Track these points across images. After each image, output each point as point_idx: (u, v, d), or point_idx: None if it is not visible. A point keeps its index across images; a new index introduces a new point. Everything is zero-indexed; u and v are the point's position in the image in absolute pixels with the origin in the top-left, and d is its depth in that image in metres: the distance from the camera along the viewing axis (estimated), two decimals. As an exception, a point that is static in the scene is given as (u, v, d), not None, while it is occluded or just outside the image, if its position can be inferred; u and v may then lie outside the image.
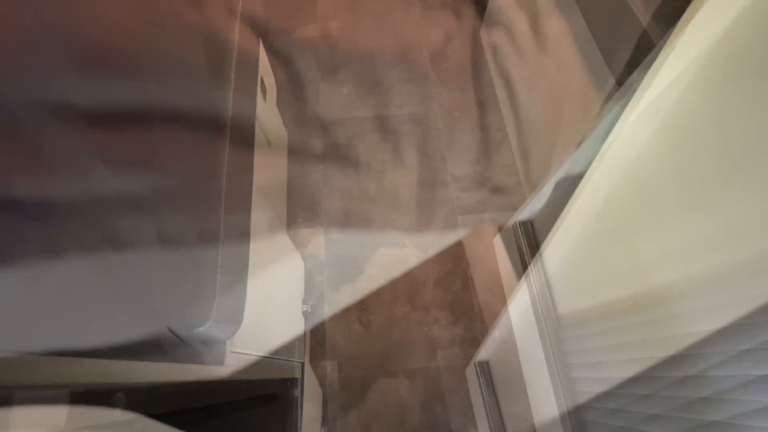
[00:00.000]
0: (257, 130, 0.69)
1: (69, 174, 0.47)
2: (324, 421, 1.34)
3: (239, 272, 0.58)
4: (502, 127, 0.92)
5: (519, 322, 0.94)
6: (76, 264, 0.50)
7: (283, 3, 0.71)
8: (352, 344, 1.45)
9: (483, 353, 1.27)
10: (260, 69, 0.80)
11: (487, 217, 1.35)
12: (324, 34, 0.64)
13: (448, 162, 0.83)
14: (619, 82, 0.67)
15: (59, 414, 0.46)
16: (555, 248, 0.78)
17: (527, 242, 0.84)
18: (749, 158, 0.40)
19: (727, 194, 0.42)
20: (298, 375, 0.88)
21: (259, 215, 0.68)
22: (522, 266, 0.86)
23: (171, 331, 0.57)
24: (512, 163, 0.87)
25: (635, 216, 0.58)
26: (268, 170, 0.78)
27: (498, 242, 1.17)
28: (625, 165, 0.58)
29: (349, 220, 1.34)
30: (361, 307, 1.42)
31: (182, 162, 0.54)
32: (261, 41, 0.77)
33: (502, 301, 1.05)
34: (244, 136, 0.67)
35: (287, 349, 0.84)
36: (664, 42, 0.53)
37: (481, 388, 1.23)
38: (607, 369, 0.67)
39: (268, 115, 0.80)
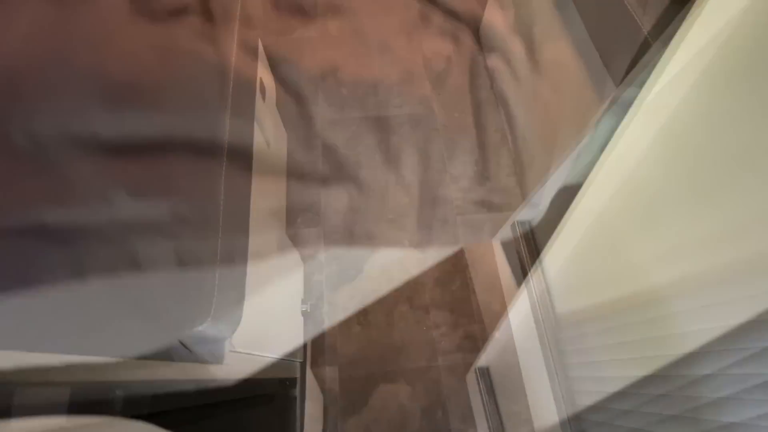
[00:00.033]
0: (256, 132, 0.73)
1: (94, 201, 0.51)
2: (325, 426, 1.37)
3: (238, 272, 0.60)
4: (500, 127, 0.94)
5: (519, 327, 0.95)
6: (97, 282, 0.54)
7: (288, 31, 0.75)
8: (352, 346, 1.46)
9: (483, 359, 1.27)
10: (259, 69, 0.83)
11: (487, 217, 1.38)
12: (330, 62, 0.68)
13: (448, 164, 0.86)
14: (615, 99, 0.70)
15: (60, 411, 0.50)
16: (555, 250, 0.79)
17: (526, 244, 0.86)
18: (750, 160, 0.40)
19: (727, 195, 0.43)
20: (296, 374, 0.89)
21: (257, 215, 0.70)
22: (521, 269, 0.88)
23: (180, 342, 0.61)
24: (511, 172, 0.90)
25: (635, 218, 0.59)
26: (267, 171, 0.81)
27: (497, 245, 1.18)
28: (625, 173, 0.60)
29: (348, 221, 1.43)
30: (361, 308, 1.44)
31: (192, 186, 0.58)
32: (260, 41, 0.80)
33: (502, 302, 1.09)
34: (242, 157, 0.71)
35: (286, 348, 0.85)
36: (661, 52, 0.54)
37: (481, 394, 1.23)
38: (607, 369, 0.68)
39: (267, 116, 0.81)
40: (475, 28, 0.81)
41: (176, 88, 0.55)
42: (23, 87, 0.49)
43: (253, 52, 0.71)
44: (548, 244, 0.82)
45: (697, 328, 0.51)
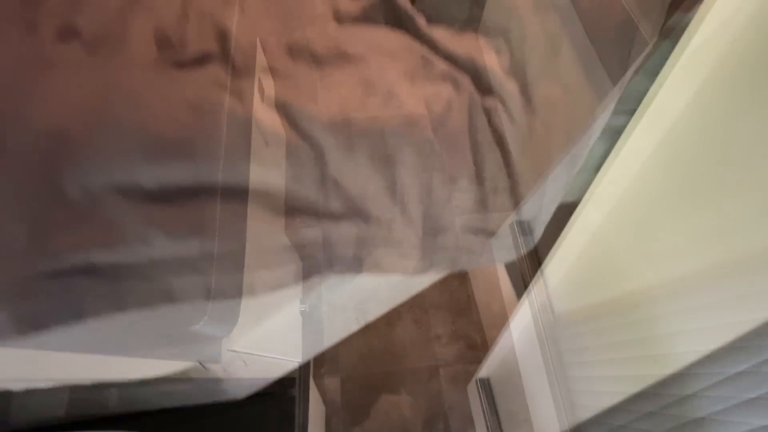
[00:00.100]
0: (255, 134, 0.76)
1: (135, 243, 0.59)
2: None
3: (223, 258, 0.62)
4: (497, 162, 1.00)
5: (520, 338, 0.96)
6: (135, 314, 0.61)
7: (301, 77, 0.82)
8: (353, 356, 1.46)
9: (484, 370, 1.29)
10: (258, 69, 0.84)
11: (487, 243, 1.44)
12: (341, 107, 0.76)
13: (449, 198, 0.91)
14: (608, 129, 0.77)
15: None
16: (555, 264, 0.82)
17: (528, 259, 0.90)
18: (747, 171, 0.42)
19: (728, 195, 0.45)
20: (295, 374, 0.90)
21: (256, 215, 0.73)
22: (522, 282, 0.89)
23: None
24: (508, 202, 0.97)
25: (630, 237, 0.63)
26: (266, 170, 0.83)
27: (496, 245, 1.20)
28: (621, 190, 0.64)
29: (348, 222, 1.42)
30: (360, 309, 1.44)
31: (220, 226, 0.66)
32: (258, 41, 0.87)
33: (503, 313, 1.12)
34: (261, 196, 0.78)
35: (285, 348, 0.87)
36: (651, 84, 0.58)
37: (482, 405, 1.25)
38: (609, 383, 0.70)
39: (265, 115, 0.84)
40: (473, 71, 0.89)
41: (205, 140, 0.62)
42: (75, 146, 0.57)
43: (270, 100, 0.79)
44: (548, 257, 0.85)
45: (689, 349, 0.54)
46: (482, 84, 0.91)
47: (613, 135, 0.69)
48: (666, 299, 0.57)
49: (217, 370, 0.75)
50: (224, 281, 0.62)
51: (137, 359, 0.68)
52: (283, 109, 0.82)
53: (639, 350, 0.63)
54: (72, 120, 0.59)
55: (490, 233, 0.86)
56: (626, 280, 0.65)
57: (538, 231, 0.91)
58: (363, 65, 0.88)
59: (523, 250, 0.90)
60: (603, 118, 0.75)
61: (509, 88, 0.86)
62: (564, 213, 0.79)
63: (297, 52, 0.91)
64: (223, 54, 0.77)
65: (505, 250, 0.90)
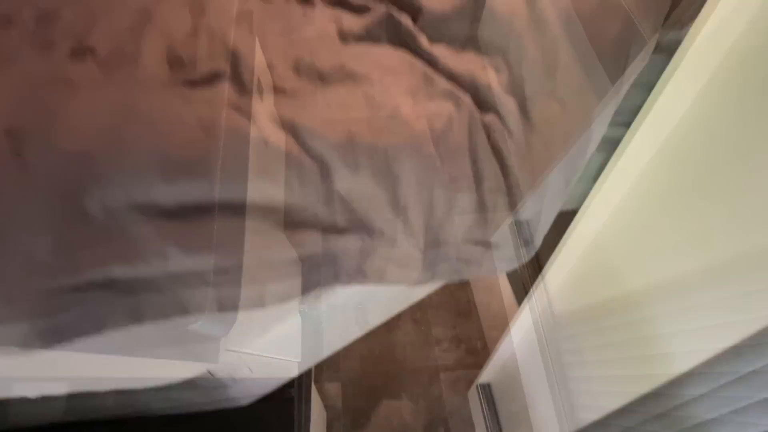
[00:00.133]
0: (262, 151, 0.79)
1: (153, 258, 0.62)
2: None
3: (234, 271, 0.64)
4: (497, 177, 1.03)
5: (521, 344, 0.98)
6: (151, 326, 0.64)
7: (307, 96, 0.85)
8: (354, 361, 1.48)
9: (485, 375, 1.31)
10: (265, 88, 0.88)
11: (487, 254, 1.46)
12: (346, 126, 0.79)
13: (450, 211, 0.95)
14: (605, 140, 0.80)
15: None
16: (555, 270, 0.84)
17: (529, 265, 0.90)
18: (745, 167, 0.44)
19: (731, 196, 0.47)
20: (296, 379, 0.91)
21: (255, 216, 0.74)
22: (523, 288, 0.91)
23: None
24: (507, 215, 1.00)
25: (629, 245, 0.64)
26: (274, 186, 0.86)
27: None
28: (620, 197, 0.65)
29: (353, 235, 1.43)
30: (360, 309, 1.43)
31: (230, 241, 0.69)
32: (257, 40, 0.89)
33: (504, 318, 1.14)
34: (268, 212, 0.81)
35: (283, 347, 0.88)
36: (647, 100, 0.60)
37: (483, 411, 1.27)
38: (609, 383, 0.71)
39: (273, 133, 0.87)
40: (473, 89, 0.93)
41: (217, 158, 0.66)
42: (97, 166, 0.60)
43: (277, 118, 0.83)
44: (548, 263, 0.87)
45: (687, 349, 0.56)
46: (482, 101, 0.95)
47: (611, 145, 0.71)
48: (666, 299, 0.59)
49: (223, 376, 0.78)
50: (232, 291, 0.66)
51: (140, 361, 0.69)
52: (290, 127, 0.86)
53: (639, 350, 0.65)
54: (93, 140, 0.62)
55: (490, 244, 0.90)
56: (625, 281, 0.67)
57: (538, 238, 0.93)
58: (367, 83, 0.92)
59: (524, 259, 0.93)
60: (599, 131, 0.78)
61: (508, 105, 0.91)
62: (564, 220, 0.82)
63: (303, 70, 0.95)
64: (233, 73, 0.80)
65: (506, 260, 0.93)
